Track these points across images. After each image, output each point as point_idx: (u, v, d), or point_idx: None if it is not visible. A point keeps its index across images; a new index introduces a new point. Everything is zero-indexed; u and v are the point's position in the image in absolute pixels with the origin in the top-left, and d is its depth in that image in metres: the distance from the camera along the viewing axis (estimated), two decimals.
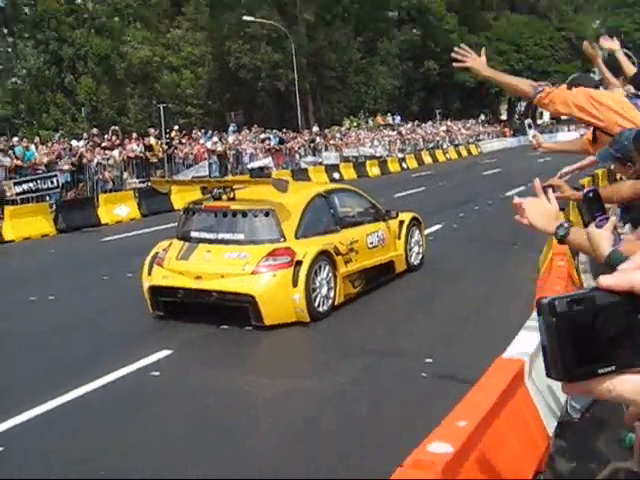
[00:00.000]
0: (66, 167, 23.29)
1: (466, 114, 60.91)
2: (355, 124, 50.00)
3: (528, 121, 5.87)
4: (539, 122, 62.08)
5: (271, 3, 52.89)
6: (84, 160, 23.83)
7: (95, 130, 29.19)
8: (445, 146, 48.14)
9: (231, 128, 37.16)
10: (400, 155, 41.40)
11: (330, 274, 9.24)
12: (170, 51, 55.18)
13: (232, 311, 8.88)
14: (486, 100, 67.81)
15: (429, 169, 37.60)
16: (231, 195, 9.53)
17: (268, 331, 8.61)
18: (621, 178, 4.96)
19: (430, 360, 7.30)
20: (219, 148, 29.88)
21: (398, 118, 54.47)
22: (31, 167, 22.37)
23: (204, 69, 55.78)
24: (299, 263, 8.77)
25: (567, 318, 0.96)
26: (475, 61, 4.48)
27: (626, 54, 5.73)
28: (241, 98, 54.17)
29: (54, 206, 20.31)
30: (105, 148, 25.64)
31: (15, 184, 20.77)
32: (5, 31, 56.19)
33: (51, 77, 50.99)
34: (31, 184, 20.96)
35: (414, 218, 11.78)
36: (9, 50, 57.67)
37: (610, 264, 2.56)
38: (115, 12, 55.15)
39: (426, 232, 12.68)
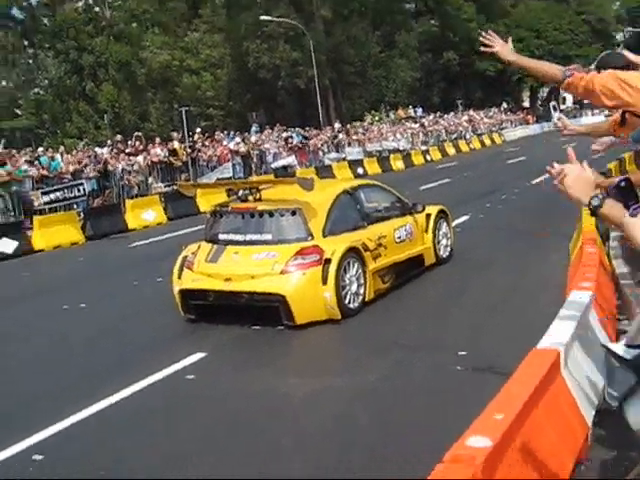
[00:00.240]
0: (92, 175, 23.46)
1: (488, 103, 60.61)
2: (377, 118, 49.89)
3: (553, 103, 5.83)
4: (562, 107, 61.51)
5: (287, 1, 52.89)
6: (109, 167, 24.00)
7: (119, 137, 29.38)
8: (468, 136, 47.86)
9: (254, 128, 37.19)
10: (423, 147, 41.26)
11: (359, 270, 9.22)
12: (189, 54, 55.41)
13: (263, 311, 8.89)
14: (508, 88, 67.40)
15: (453, 160, 37.43)
16: (257, 196, 9.55)
17: (300, 330, 8.61)
18: None
19: (464, 353, 7.26)
20: (242, 149, 29.92)
21: (420, 110, 54.30)
22: (57, 176, 22.56)
23: (223, 70, 55.93)
24: (328, 261, 8.76)
25: None
26: (502, 47, 4.54)
27: None
28: (262, 98, 54.29)
29: (82, 214, 20.48)
30: (129, 154, 25.81)
31: (42, 194, 20.96)
32: (25, 43, 56.71)
33: (72, 86, 51.30)
34: (58, 193, 21.13)
35: (441, 211, 11.71)
36: (30, 61, 58.21)
37: None
38: (133, 18, 55.44)
39: (453, 224, 12.62)
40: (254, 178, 24.79)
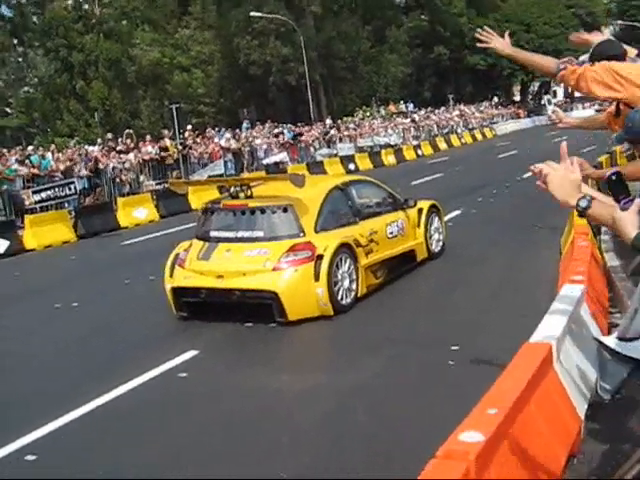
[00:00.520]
0: (83, 173, 23.40)
1: (479, 97, 60.68)
2: (368, 114, 49.88)
3: (548, 97, 5.84)
4: (553, 101, 61.64)
5: None
6: (100, 165, 23.95)
7: (109, 134, 29.31)
8: (459, 131, 47.95)
9: (244, 125, 37.14)
10: (415, 142, 41.31)
11: (351, 266, 9.22)
12: (179, 51, 55.27)
13: (255, 309, 8.88)
14: (498, 82, 67.45)
15: (445, 155, 37.45)
16: (248, 193, 9.52)
17: (292, 327, 8.61)
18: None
19: (456, 348, 7.26)
20: (233, 145, 29.89)
21: (411, 105, 54.33)
22: (48, 175, 22.50)
23: (214, 67, 55.82)
24: (320, 257, 8.76)
25: None
26: (499, 41, 4.64)
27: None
28: (253, 94, 54.22)
29: (73, 212, 20.43)
30: (120, 152, 25.76)
31: (33, 193, 20.90)
32: (15, 41, 56.43)
33: (63, 84, 51.02)
34: (49, 192, 21.07)
35: (433, 205, 11.72)
36: (20, 60, 57.95)
37: (636, 247, 2.52)
38: (123, 16, 55.14)
39: (445, 218, 12.63)
40: (246, 175, 24.78)
